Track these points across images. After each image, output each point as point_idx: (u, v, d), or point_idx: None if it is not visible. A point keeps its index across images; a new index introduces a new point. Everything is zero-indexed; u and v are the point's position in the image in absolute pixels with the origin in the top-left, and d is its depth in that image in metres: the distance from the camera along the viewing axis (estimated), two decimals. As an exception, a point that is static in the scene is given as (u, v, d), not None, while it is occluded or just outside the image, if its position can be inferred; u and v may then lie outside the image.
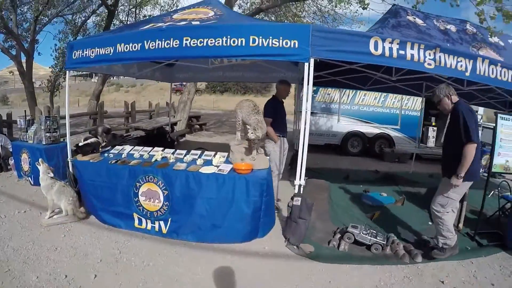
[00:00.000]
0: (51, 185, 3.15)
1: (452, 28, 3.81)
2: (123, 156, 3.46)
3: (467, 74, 2.80)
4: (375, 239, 2.72)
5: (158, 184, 2.92)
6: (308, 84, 2.66)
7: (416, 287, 2.33)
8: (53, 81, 10.77)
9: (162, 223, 2.95)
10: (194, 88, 9.67)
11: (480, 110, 7.03)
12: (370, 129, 7.63)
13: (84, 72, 21.98)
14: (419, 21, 3.77)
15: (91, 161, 3.30)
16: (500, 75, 2.92)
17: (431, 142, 7.74)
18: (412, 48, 2.65)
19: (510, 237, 2.93)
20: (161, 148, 3.59)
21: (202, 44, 2.76)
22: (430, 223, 3.32)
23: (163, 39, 2.88)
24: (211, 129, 12.34)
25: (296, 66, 5.08)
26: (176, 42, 2.85)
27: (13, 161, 4.90)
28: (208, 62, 5.36)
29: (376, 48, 2.61)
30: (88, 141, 3.48)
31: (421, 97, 5.64)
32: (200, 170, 2.89)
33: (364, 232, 2.78)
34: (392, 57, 2.64)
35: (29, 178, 4.53)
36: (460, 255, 2.73)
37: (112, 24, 9.29)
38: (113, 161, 3.21)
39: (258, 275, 2.38)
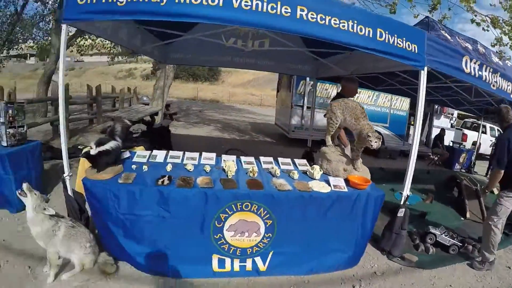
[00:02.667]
0: (53, 229, 1.91)
1: (469, 46, 4.22)
2: (168, 170, 2.29)
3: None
4: (453, 240, 2.93)
5: (258, 212, 2.12)
6: (420, 93, 2.50)
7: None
8: None
9: (258, 259, 2.24)
10: (173, 73, 8.00)
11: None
12: None
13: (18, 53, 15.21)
14: (448, 37, 3.98)
15: (121, 182, 2.03)
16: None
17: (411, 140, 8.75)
18: (485, 70, 2.93)
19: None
20: (197, 154, 2.60)
21: (323, 21, 2.06)
22: (462, 218, 3.86)
23: (266, 1, 1.95)
24: (180, 119, 10.65)
25: (313, 60, 4.58)
26: (286, 9, 1.98)
27: None
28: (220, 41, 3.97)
29: (466, 66, 2.73)
30: (107, 146, 2.09)
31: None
32: (313, 188, 2.25)
33: (445, 233, 2.97)
34: (474, 76, 2.83)
35: None
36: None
37: None
38: (161, 181, 2.07)
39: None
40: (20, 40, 11.44)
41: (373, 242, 2.80)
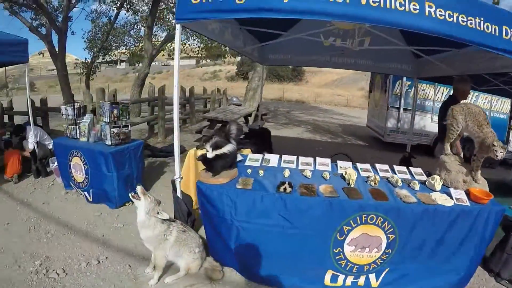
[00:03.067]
0: (165, 234, 1.91)
1: None
2: (286, 176, 2.22)
3: None
4: None
5: (382, 226, 1.95)
6: None
7: None
8: (91, 62, 10.06)
9: (372, 276, 2.07)
10: (265, 74, 8.05)
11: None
12: None
13: (111, 59, 17.11)
14: None
15: (239, 187, 1.99)
16: None
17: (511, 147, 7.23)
18: None
19: None
20: (320, 160, 2.48)
21: (451, 19, 1.85)
22: None
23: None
24: (269, 120, 10.72)
25: (414, 59, 4.23)
26: (415, 6, 1.82)
27: (55, 164, 3.53)
28: (318, 41, 3.79)
29: None
30: (225, 150, 2.07)
31: None
32: (436, 201, 2.01)
33: None
34: None
35: (85, 193, 3.17)
36: None
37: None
38: (282, 188, 1.97)
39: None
40: (113, 47, 12.72)
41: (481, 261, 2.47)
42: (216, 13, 2.00)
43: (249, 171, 2.25)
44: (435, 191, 2.16)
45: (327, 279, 2.05)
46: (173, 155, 3.85)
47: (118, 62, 34.39)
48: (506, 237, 2.35)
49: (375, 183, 2.15)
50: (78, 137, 3.32)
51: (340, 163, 2.50)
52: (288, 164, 2.43)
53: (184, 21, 2.12)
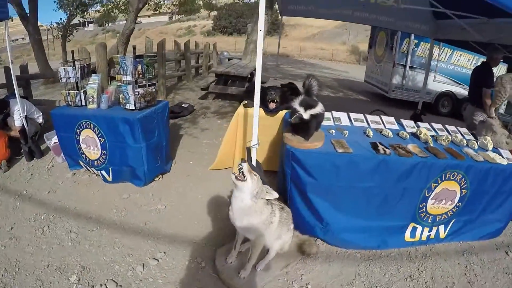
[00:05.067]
0: (271, 216, 1.65)
1: None
2: (370, 136, 2.22)
3: None
4: None
5: (460, 182, 2.14)
6: None
7: None
8: (67, 22, 9.63)
9: (442, 227, 2.30)
10: (267, 26, 7.51)
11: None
12: (460, 90, 7.35)
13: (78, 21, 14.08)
14: None
15: (341, 151, 1.90)
16: None
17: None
18: None
19: None
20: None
21: None
22: None
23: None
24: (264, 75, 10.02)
25: (430, 19, 4.39)
26: None
27: (53, 140, 2.89)
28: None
29: None
30: (319, 109, 1.92)
31: None
32: (496, 160, 2.25)
33: None
34: None
35: (102, 172, 2.64)
36: None
37: None
38: (382, 149, 1.97)
39: None
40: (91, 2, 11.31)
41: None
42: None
43: (332, 131, 2.18)
44: (487, 150, 2.42)
45: (407, 235, 2.20)
46: (184, 116, 3.51)
47: (86, 24, 31.54)
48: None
49: (446, 142, 2.30)
50: (83, 104, 2.68)
51: (404, 122, 2.61)
52: (359, 123, 2.45)
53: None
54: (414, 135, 2.39)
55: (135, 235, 2.07)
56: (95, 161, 2.66)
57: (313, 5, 4.56)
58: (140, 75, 2.53)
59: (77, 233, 2.06)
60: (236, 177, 1.50)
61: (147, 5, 9.57)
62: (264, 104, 2.79)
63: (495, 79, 2.66)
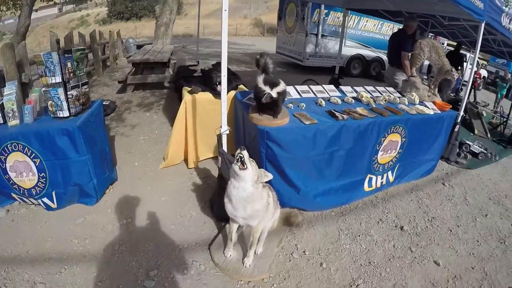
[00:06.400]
0: (268, 199, 1.66)
1: None
2: (323, 105, 2.41)
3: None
4: (480, 149, 3.85)
5: (400, 132, 2.56)
6: (478, 43, 3.04)
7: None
8: None
9: (389, 173, 2.75)
10: (177, 6, 6.93)
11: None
12: (368, 53, 8.44)
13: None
14: None
15: (308, 123, 2.04)
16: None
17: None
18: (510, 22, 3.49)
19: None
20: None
21: None
22: (472, 134, 4.65)
23: None
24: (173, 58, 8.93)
25: None
26: None
27: None
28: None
29: (503, 20, 3.30)
30: (282, 87, 1.96)
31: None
32: (425, 111, 2.73)
33: (475, 143, 3.95)
34: (507, 29, 3.43)
35: (43, 199, 2.22)
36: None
37: None
38: (340, 116, 2.19)
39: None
40: None
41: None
42: None
43: (290, 105, 2.30)
44: (415, 104, 2.92)
45: (366, 186, 2.56)
46: (108, 114, 3.43)
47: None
48: (451, 132, 3.32)
49: (384, 102, 2.69)
50: (1, 122, 2.10)
51: (344, 88, 2.94)
52: (305, 94, 2.65)
53: None
54: (356, 99, 2.71)
55: (115, 262, 1.79)
56: (32, 190, 2.15)
57: None
58: (71, 74, 2.09)
59: (44, 281, 1.66)
60: (240, 168, 1.45)
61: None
62: (210, 87, 2.74)
63: (415, 44, 3.13)
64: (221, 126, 1.91)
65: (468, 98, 7.89)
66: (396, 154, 2.67)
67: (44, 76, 2.02)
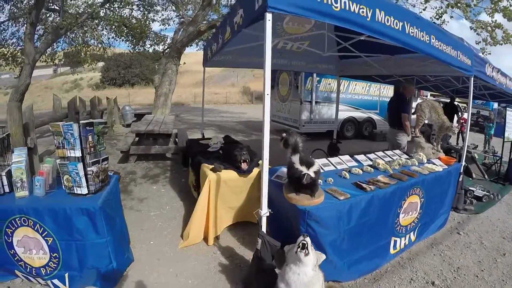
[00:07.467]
0: (322, 281, 1.71)
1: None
2: (329, 182, 2.45)
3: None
4: (483, 192, 4.13)
5: (419, 194, 2.69)
6: (470, 95, 3.40)
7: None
8: None
9: (412, 233, 2.80)
10: (176, 77, 7.13)
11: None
12: (359, 114, 8.93)
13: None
14: None
15: (342, 198, 2.09)
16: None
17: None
18: (493, 71, 3.79)
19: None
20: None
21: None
22: (470, 178, 4.96)
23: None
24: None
25: (335, 60, 5.25)
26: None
27: None
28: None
29: (488, 71, 3.56)
30: (318, 166, 2.03)
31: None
32: (435, 169, 2.91)
33: (477, 188, 4.21)
34: (492, 78, 3.75)
35: (54, 281, 2.03)
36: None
37: None
38: (367, 188, 2.27)
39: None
40: None
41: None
42: (309, 11, 1.82)
43: (319, 181, 2.31)
44: (423, 163, 3.10)
45: (391, 248, 2.59)
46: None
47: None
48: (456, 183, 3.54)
49: (398, 166, 2.88)
50: (6, 191, 1.96)
51: (358, 157, 3.07)
52: (327, 168, 2.75)
53: (278, 11, 1.76)
54: (372, 167, 2.84)
55: None
56: (41, 269, 1.96)
57: (232, 55, 4.67)
58: (92, 149, 2.01)
59: None
60: (305, 254, 1.53)
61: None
62: (234, 165, 2.72)
63: (415, 106, 3.42)
64: (261, 209, 1.89)
65: (457, 143, 8.51)
66: (417, 215, 2.76)
67: (61, 148, 1.94)
